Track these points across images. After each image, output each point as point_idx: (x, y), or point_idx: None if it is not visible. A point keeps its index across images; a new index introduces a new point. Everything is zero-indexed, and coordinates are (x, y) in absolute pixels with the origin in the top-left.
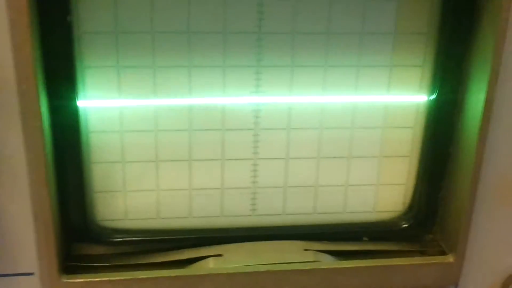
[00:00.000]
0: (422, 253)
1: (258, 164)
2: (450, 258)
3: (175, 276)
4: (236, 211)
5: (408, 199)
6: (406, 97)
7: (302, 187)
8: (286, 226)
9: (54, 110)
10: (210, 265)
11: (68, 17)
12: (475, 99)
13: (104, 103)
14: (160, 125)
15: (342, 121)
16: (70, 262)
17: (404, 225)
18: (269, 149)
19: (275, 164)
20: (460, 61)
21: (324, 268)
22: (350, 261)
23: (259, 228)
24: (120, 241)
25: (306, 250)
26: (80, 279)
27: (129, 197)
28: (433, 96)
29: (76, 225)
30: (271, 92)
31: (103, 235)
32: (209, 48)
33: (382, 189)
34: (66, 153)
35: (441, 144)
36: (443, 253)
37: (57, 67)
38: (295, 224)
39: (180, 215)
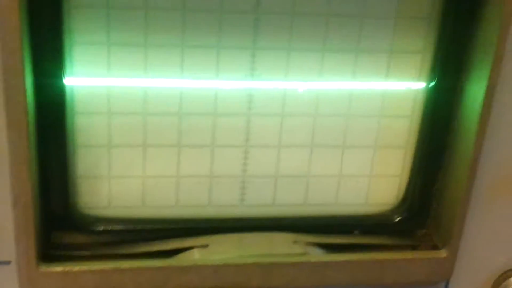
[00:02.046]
0: (414, 247)
1: (249, 151)
2: (443, 253)
3: (158, 267)
4: (224, 201)
5: (401, 192)
6: (404, 83)
7: (294, 177)
8: (276, 217)
9: (39, 87)
10: (195, 256)
11: None
12: (476, 87)
13: (92, 81)
14: (149, 107)
15: (337, 109)
16: (49, 250)
17: (397, 219)
18: (261, 136)
19: (267, 152)
20: (462, 47)
21: (313, 261)
22: (340, 255)
23: (248, 219)
24: (102, 230)
25: (295, 242)
26: (58, 269)
27: (114, 183)
28: (432, 84)
29: (57, 211)
30: (266, 76)
31: (85, 223)
32: (204, 27)
33: (375, 180)
34: (50, 133)
35: (438, 134)
36: (435, 247)
37: (45, 41)
38: (285, 215)
39: (166, 203)
